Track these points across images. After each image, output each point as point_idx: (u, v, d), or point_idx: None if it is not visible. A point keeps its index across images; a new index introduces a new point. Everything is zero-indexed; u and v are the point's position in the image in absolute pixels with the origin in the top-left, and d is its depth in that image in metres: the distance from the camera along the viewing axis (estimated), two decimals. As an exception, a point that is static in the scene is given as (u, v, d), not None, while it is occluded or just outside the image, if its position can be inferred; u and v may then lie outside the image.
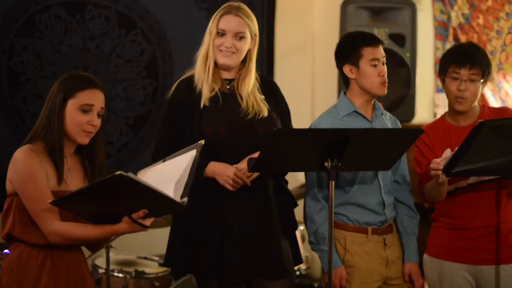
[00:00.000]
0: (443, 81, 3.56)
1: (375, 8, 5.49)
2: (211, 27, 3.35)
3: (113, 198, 2.68)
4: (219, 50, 3.34)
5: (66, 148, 2.98)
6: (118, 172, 2.56)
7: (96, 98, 2.96)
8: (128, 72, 5.86)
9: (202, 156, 3.17)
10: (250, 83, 3.39)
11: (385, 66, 3.52)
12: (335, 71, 5.50)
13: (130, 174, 2.58)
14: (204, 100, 3.31)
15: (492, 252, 3.49)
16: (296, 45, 6.10)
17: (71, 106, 2.93)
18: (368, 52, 3.47)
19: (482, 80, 3.49)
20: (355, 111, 3.53)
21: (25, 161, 2.90)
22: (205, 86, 3.32)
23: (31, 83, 5.82)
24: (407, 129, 3.61)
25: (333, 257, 3.40)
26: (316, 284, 5.48)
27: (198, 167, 2.89)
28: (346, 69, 3.52)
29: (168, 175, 2.79)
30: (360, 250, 3.53)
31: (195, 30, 5.87)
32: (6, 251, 3.02)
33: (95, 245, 3.07)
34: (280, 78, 5.84)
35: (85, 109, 2.93)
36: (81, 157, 3.04)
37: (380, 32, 5.33)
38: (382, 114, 3.62)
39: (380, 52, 3.50)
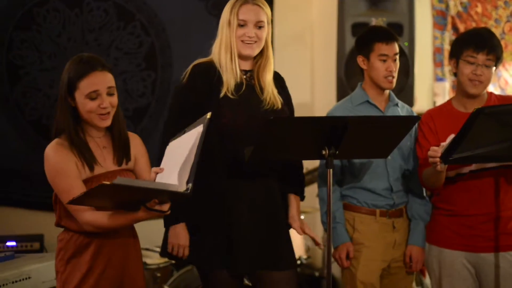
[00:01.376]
0: (455, 65, 3.55)
1: (372, -3, 5.50)
2: (231, 18, 3.31)
3: (117, 196, 2.71)
4: (241, 41, 3.31)
5: (94, 132, 3.02)
6: (102, 183, 2.57)
7: (98, 82, 2.93)
8: (127, 64, 5.87)
9: (218, 146, 3.22)
10: (271, 70, 3.40)
11: (396, 62, 3.64)
12: (333, 60, 5.57)
13: (119, 180, 2.57)
14: (228, 91, 3.28)
15: (492, 239, 3.49)
16: (294, 34, 6.09)
17: (79, 97, 2.93)
18: (379, 47, 3.60)
19: (495, 67, 3.50)
20: (367, 101, 3.67)
21: (52, 157, 2.94)
22: (232, 78, 3.30)
23: (30, 77, 5.84)
24: (403, 116, 3.63)
25: (342, 233, 3.63)
26: (317, 273, 5.48)
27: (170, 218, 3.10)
28: (360, 59, 3.68)
29: (177, 154, 2.79)
30: (368, 230, 3.65)
31: (194, 21, 5.88)
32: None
33: None
34: (279, 67, 5.77)
35: (92, 97, 2.92)
36: (112, 136, 3.07)
37: (378, 21, 5.33)
38: (397, 105, 3.72)
39: (392, 49, 3.62)
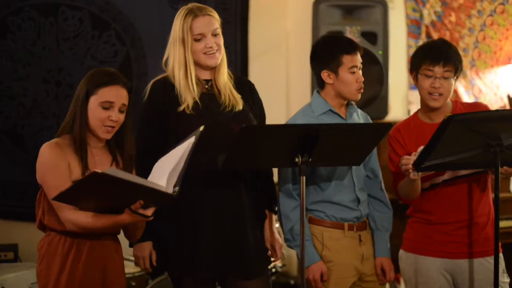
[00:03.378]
0: (415, 78, 3.57)
1: (347, 6, 5.52)
2: (184, 35, 3.31)
3: (105, 193, 2.75)
4: (204, 53, 3.33)
5: (93, 141, 3.08)
6: (93, 171, 2.65)
7: (116, 95, 3.03)
8: (102, 73, 5.86)
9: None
10: (225, 72, 3.41)
11: (360, 70, 3.52)
12: (308, 69, 5.52)
13: (108, 171, 2.64)
14: (187, 108, 3.29)
15: (468, 245, 3.51)
16: (269, 44, 6.10)
17: (93, 102, 3.02)
18: (348, 60, 3.47)
19: (455, 77, 3.51)
20: (330, 110, 3.54)
21: (46, 154, 3.00)
22: (189, 95, 3.32)
23: (4, 86, 5.81)
24: (376, 124, 3.63)
25: (311, 252, 3.48)
26: (292, 282, 5.49)
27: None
28: (324, 74, 3.51)
29: (168, 163, 2.85)
30: (337, 246, 3.54)
31: (169, 31, 5.87)
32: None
33: (130, 235, 3.19)
34: (255, 77, 5.85)
35: (105, 106, 3.02)
36: (111, 150, 3.14)
37: (352, 30, 5.36)
38: (355, 111, 3.64)
39: (359, 58, 3.50)
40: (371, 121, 3.74)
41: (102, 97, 3.02)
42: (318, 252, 3.52)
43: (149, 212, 2.83)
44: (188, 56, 3.32)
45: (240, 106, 3.36)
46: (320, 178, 3.53)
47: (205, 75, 3.40)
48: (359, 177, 3.59)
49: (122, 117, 3.07)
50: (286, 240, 3.55)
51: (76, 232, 3.00)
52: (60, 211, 2.95)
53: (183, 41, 3.32)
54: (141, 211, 2.81)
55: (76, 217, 2.92)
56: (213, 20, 3.35)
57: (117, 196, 2.77)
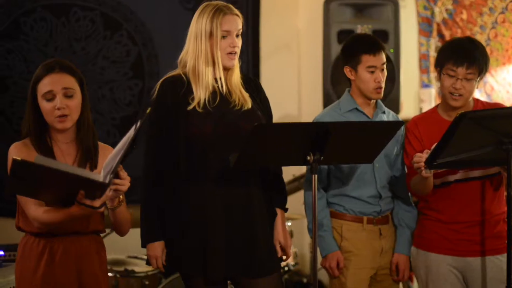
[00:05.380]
0: (438, 74, 3.57)
1: (358, 4, 5.52)
2: (213, 29, 3.28)
3: (46, 183, 2.69)
4: (227, 53, 3.31)
5: (60, 137, 3.04)
6: (13, 157, 2.60)
7: (53, 83, 2.97)
8: (114, 73, 5.88)
9: (188, 156, 3.25)
10: (238, 72, 3.41)
11: (384, 72, 3.62)
12: (320, 67, 5.60)
13: (36, 158, 2.59)
14: (198, 105, 3.28)
15: (479, 243, 3.51)
16: (281, 43, 6.12)
17: (39, 99, 2.99)
18: (366, 59, 3.57)
19: (478, 78, 3.49)
20: (356, 108, 3.64)
21: (13, 154, 2.95)
22: (204, 92, 3.31)
23: (17, 86, 5.83)
24: (386, 122, 3.63)
25: (330, 242, 3.62)
26: (305, 280, 5.50)
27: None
28: (347, 69, 3.65)
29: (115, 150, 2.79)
30: (355, 238, 3.64)
31: (180, 30, 5.85)
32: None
33: (118, 229, 3.13)
34: (266, 76, 5.87)
35: (48, 98, 2.97)
36: (78, 143, 3.08)
37: (363, 29, 5.36)
38: (384, 112, 3.72)
39: (380, 59, 3.59)
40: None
41: (42, 89, 2.97)
42: (337, 243, 3.63)
43: (97, 203, 2.74)
44: (217, 51, 3.30)
45: (249, 104, 3.36)
46: (343, 172, 3.63)
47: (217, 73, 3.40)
48: (382, 175, 3.66)
49: (71, 102, 2.99)
50: (309, 230, 3.65)
51: (48, 232, 2.96)
52: (26, 209, 2.92)
53: (211, 35, 3.29)
54: (88, 202, 2.73)
55: (37, 213, 2.88)
56: (239, 21, 3.34)
57: (57, 187, 2.71)
